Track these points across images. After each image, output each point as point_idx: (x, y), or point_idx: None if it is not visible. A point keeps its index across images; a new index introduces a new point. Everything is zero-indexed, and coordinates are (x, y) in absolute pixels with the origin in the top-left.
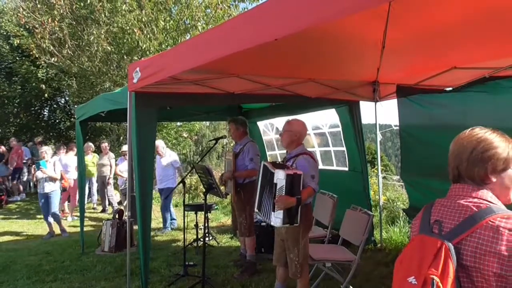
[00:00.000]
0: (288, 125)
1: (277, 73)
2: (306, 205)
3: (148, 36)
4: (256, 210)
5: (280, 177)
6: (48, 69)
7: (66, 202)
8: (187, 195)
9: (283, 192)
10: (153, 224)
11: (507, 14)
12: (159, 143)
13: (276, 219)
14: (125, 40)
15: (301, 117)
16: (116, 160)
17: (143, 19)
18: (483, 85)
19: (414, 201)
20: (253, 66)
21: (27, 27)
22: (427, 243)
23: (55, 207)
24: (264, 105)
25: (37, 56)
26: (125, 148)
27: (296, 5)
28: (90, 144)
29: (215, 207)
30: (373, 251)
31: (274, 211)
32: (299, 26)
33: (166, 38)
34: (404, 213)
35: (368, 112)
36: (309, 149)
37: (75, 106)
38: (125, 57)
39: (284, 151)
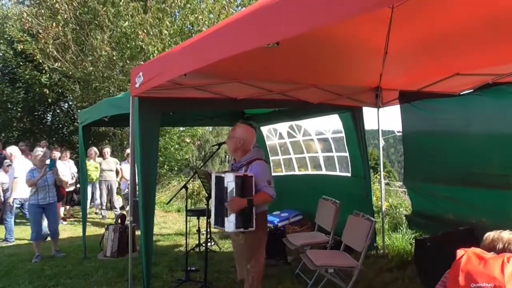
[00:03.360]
0: (232, 131)
1: (279, 78)
2: (263, 212)
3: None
4: (214, 225)
5: (229, 180)
6: (51, 74)
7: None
8: (189, 200)
9: (234, 195)
10: (155, 230)
11: (509, 20)
12: (12, 149)
13: (229, 223)
14: (128, 45)
15: (305, 122)
16: (119, 164)
17: (149, 21)
18: (487, 90)
19: (417, 206)
20: (255, 72)
21: (31, 32)
22: None
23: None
24: (267, 110)
25: (40, 61)
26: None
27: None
28: (94, 148)
29: None
30: (376, 257)
31: (227, 216)
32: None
33: (169, 42)
34: (407, 219)
35: (371, 118)
36: (312, 155)
37: (79, 110)
38: (128, 62)
39: (289, 156)
